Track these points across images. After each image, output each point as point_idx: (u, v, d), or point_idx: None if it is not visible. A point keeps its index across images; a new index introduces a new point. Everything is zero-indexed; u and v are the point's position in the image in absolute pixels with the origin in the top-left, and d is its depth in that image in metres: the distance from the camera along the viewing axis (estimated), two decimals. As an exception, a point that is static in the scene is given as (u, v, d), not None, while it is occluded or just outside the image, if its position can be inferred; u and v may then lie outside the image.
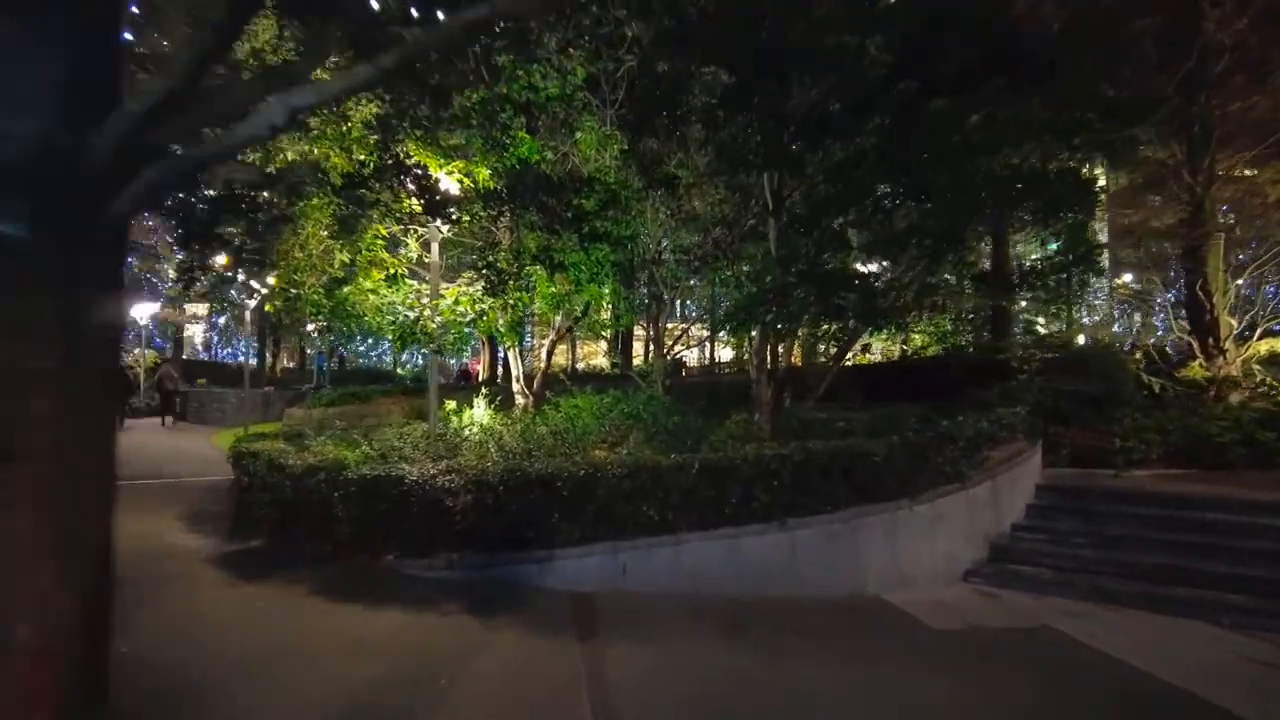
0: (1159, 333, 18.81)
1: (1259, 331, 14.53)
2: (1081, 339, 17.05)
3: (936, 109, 8.51)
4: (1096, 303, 20.12)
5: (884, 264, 10.10)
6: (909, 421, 10.34)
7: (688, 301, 26.40)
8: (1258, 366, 14.36)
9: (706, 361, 26.80)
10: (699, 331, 27.01)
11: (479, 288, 11.06)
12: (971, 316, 17.97)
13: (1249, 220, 16.15)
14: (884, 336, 14.68)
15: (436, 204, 11.67)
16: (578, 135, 12.59)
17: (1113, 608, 7.93)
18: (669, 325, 18.73)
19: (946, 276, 10.90)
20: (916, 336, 22.68)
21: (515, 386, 14.83)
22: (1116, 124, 9.89)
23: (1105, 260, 13.42)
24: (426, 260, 13.84)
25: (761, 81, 9.77)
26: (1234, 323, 14.58)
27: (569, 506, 8.10)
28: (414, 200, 11.51)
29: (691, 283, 17.24)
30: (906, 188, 8.69)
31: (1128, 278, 23.14)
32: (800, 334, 11.19)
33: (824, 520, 8.18)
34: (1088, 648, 6.74)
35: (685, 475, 8.12)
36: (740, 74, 10.20)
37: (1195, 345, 14.85)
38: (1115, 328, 18.18)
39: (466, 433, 12.19)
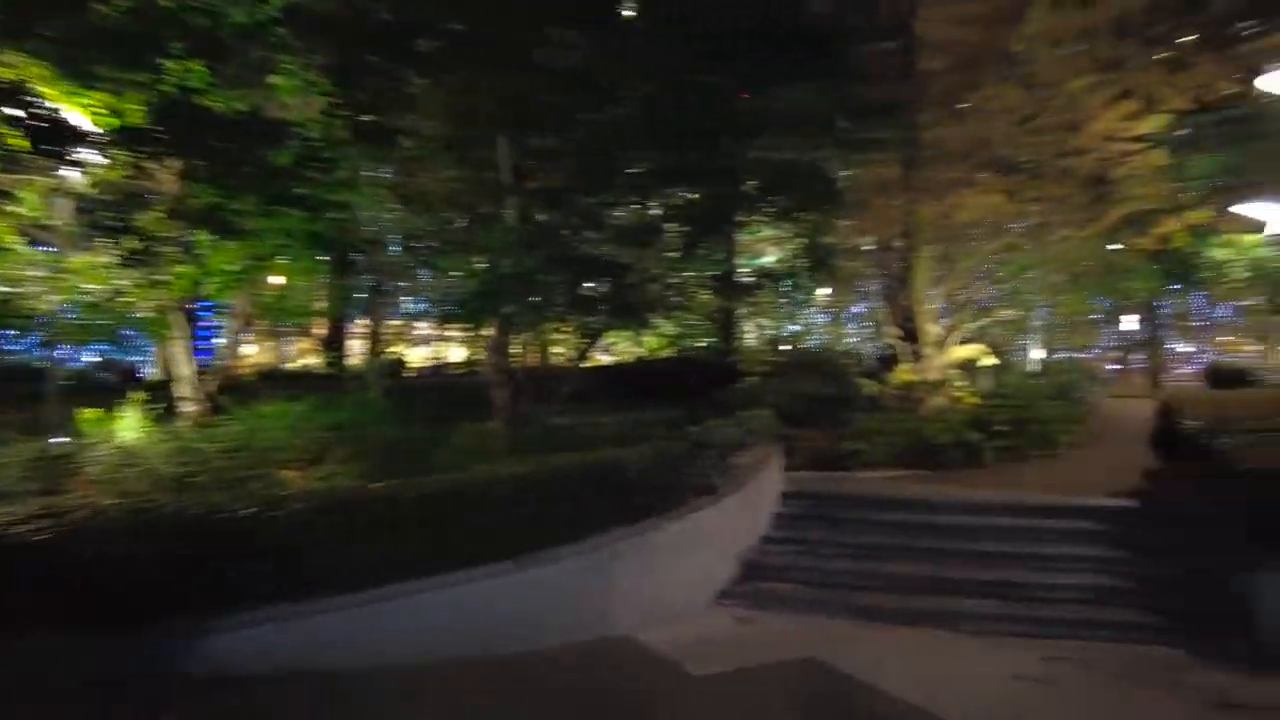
0: (866, 339, 20.30)
1: (958, 338, 15.77)
2: (813, 343, 17.68)
3: (705, 83, 7.62)
4: (810, 312, 21.30)
5: (638, 254, 9.11)
6: (658, 428, 9.36)
7: (418, 295, 24.02)
8: (954, 371, 15.61)
9: (437, 361, 24.50)
10: (430, 328, 24.74)
11: (114, 257, 8.21)
12: (707, 318, 17.88)
13: (952, 236, 17.66)
14: (628, 335, 13.84)
15: (65, 140, 8.65)
16: (274, 80, 10.08)
17: (874, 626, 7.43)
18: (393, 320, 16.42)
19: (694, 273, 10.10)
20: (651, 337, 22.49)
21: (183, 390, 11.71)
22: (863, 126, 9.75)
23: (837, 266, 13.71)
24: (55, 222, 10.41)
25: (503, 30, 8.21)
26: (938, 329, 15.71)
27: (230, 558, 5.87)
28: (21, 136, 8.37)
29: (420, 275, 15.25)
30: (667, 169, 7.66)
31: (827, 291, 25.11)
32: (542, 330, 9.81)
33: (572, 551, 6.79)
34: (859, 684, 6.04)
35: (399, 507, 6.28)
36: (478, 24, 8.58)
37: (904, 350, 15.82)
38: (818, 336, 19.30)
39: (105, 452, 9.19)
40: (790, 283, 11.52)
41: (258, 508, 5.95)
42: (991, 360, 15.83)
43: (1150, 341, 27.30)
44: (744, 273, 11.71)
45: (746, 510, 8.83)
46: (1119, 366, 27.46)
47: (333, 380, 14.27)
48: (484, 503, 6.42)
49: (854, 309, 20.50)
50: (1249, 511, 6.98)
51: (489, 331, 10.75)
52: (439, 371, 22.04)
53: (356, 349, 23.36)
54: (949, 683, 6.02)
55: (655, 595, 7.44)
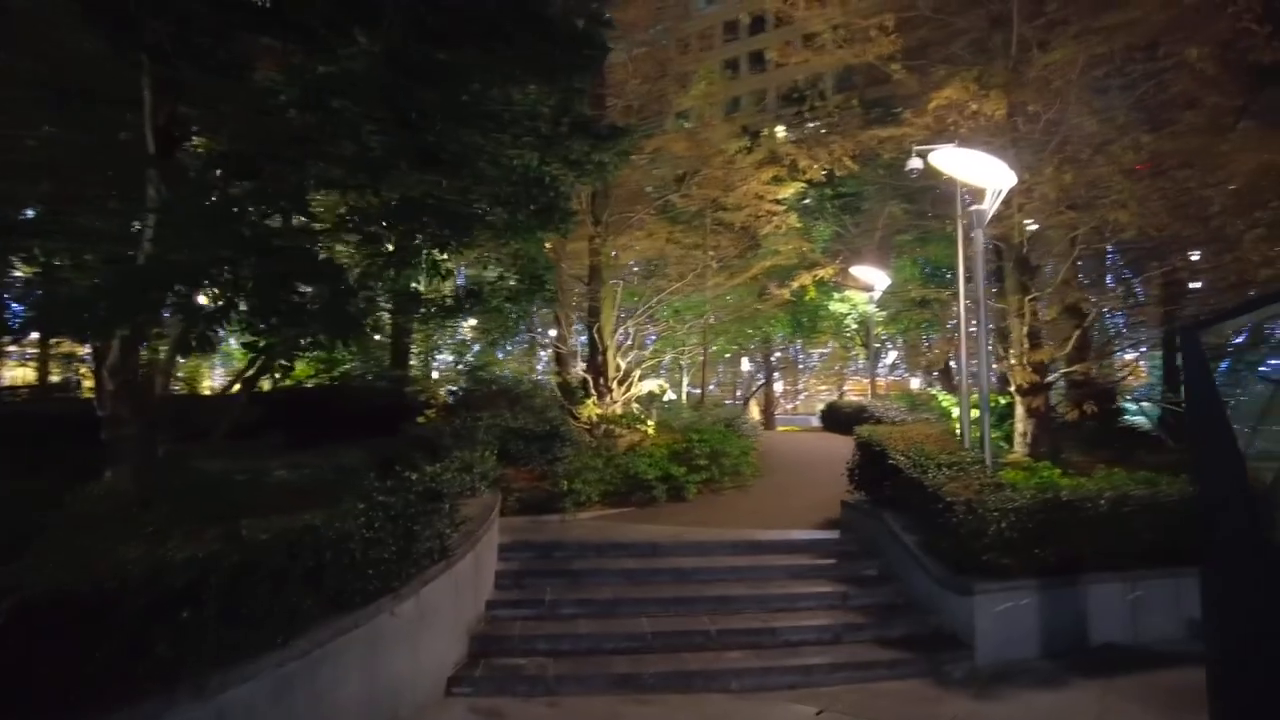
0: (539, 371, 19.75)
1: (639, 373, 15.88)
2: (501, 375, 16.46)
3: (447, 59, 6.18)
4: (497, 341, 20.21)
5: (353, 253, 7.07)
6: (365, 474, 7.38)
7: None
8: (636, 405, 15.68)
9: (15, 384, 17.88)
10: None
11: None
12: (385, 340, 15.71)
13: (620, 275, 17.91)
14: (315, 355, 11.22)
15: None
16: None
17: (643, 699, 6.47)
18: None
19: (396, 284, 8.34)
20: (300, 363, 19.25)
21: None
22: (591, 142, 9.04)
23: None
24: None
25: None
26: (621, 364, 15.66)
27: None
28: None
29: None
30: (407, 146, 5.96)
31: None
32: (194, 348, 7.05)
33: (274, 661, 4.70)
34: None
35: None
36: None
37: (590, 384, 15.50)
38: (503, 368, 18.35)
39: None
40: (497, 304, 10.25)
41: None
42: (669, 395, 16.24)
43: (765, 382, 31.21)
44: (440, 291, 10.16)
45: (479, 572, 7.35)
46: (741, 403, 30.72)
47: None
48: (138, 612, 4.08)
49: (539, 340, 19.84)
50: (957, 538, 7.54)
51: (102, 349, 7.80)
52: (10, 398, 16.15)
53: None
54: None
55: (377, 700, 5.60)
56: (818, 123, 21.17)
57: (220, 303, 5.47)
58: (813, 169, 19.31)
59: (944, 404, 17.45)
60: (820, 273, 19.23)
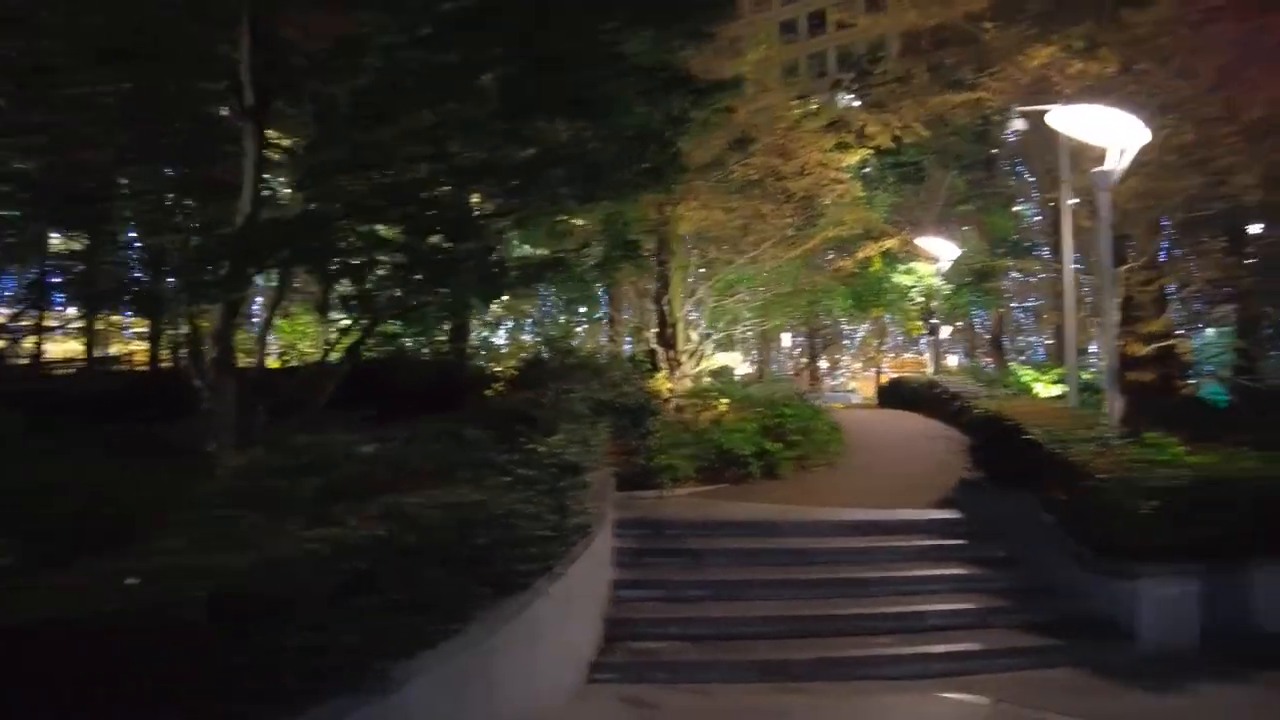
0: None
1: (713, 346, 15.40)
2: (572, 346, 16.00)
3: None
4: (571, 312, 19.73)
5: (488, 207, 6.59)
6: (480, 446, 6.94)
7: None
8: (707, 379, 15.21)
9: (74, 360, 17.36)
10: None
11: None
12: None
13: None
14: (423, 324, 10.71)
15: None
16: None
17: (794, 689, 6.05)
18: None
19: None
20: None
21: None
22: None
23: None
24: None
25: None
26: (694, 336, 15.19)
27: None
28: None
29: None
30: (550, 88, 5.43)
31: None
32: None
33: (451, 650, 4.29)
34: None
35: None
36: None
37: (659, 356, 15.03)
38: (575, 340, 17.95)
39: None
40: (581, 272, 9.72)
41: None
42: (744, 369, 15.78)
43: (812, 358, 30.63)
44: (526, 258, 9.70)
45: (603, 550, 6.96)
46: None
47: None
48: (317, 599, 3.67)
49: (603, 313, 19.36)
50: (1113, 518, 7.03)
51: (200, 319, 7.46)
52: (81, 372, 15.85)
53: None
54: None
55: (531, 689, 5.22)
56: (882, 89, 20.45)
57: (360, 260, 5.01)
58: (882, 135, 18.56)
59: (1023, 379, 16.83)
60: (888, 243, 18.60)
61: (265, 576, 3.63)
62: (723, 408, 13.71)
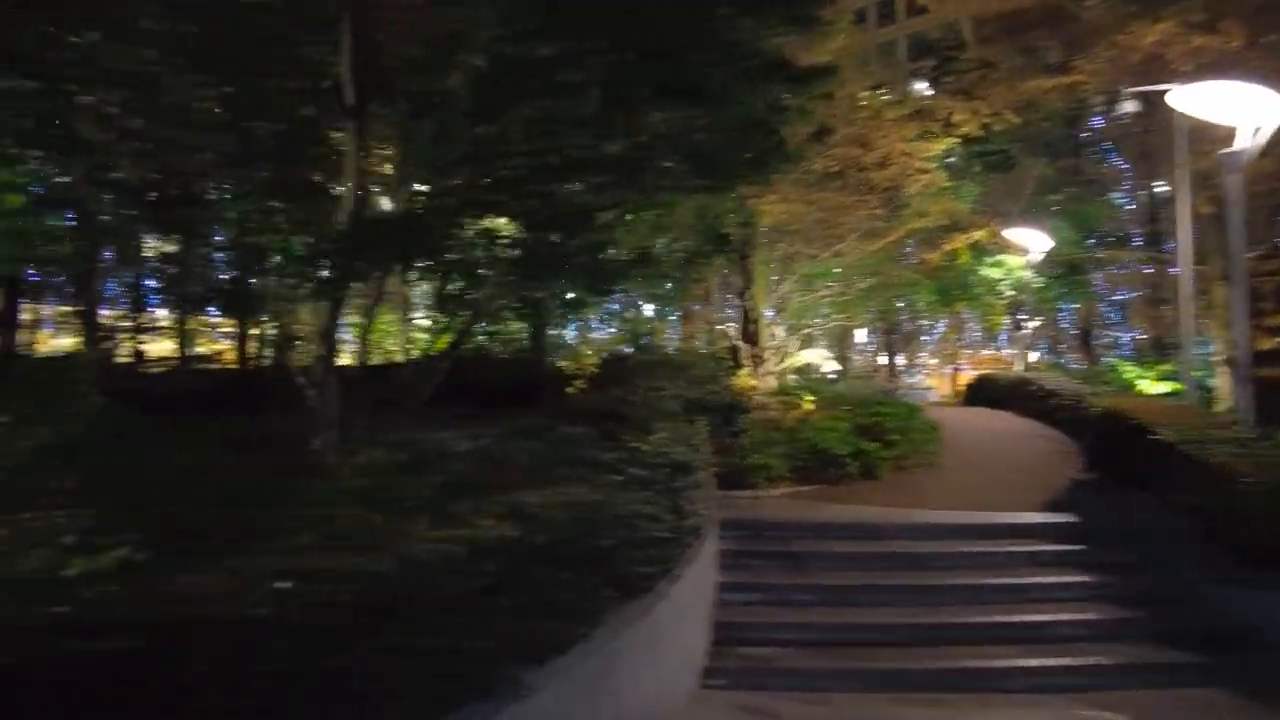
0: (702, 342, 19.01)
1: (797, 342, 15.10)
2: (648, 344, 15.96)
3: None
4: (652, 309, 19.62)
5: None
6: (579, 444, 6.82)
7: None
8: (793, 377, 14.90)
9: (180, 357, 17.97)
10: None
11: None
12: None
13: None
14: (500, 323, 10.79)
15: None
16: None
17: (913, 701, 5.77)
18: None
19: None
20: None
21: None
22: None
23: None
24: None
25: None
26: (778, 333, 14.89)
27: None
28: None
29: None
30: (666, 75, 5.27)
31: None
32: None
33: (580, 654, 4.17)
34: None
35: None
36: None
37: (741, 353, 14.79)
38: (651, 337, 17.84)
39: None
40: (669, 268, 9.55)
41: None
42: (831, 366, 15.40)
43: (891, 355, 29.87)
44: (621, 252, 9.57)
45: (714, 550, 6.78)
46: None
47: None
48: (454, 601, 3.58)
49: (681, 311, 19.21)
50: (1264, 524, 6.51)
51: (302, 319, 7.54)
52: (186, 370, 16.47)
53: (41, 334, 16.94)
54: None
55: (652, 695, 5.07)
56: (968, 75, 19.69)
57: (478, 255, 4.95)
58: (970, 123, 17.87)
59: (1127, 376, 15.98)
60: (976, 235, 17.92)
61: (402, 578, 3.57)
62: (808, 406, 13.39)
